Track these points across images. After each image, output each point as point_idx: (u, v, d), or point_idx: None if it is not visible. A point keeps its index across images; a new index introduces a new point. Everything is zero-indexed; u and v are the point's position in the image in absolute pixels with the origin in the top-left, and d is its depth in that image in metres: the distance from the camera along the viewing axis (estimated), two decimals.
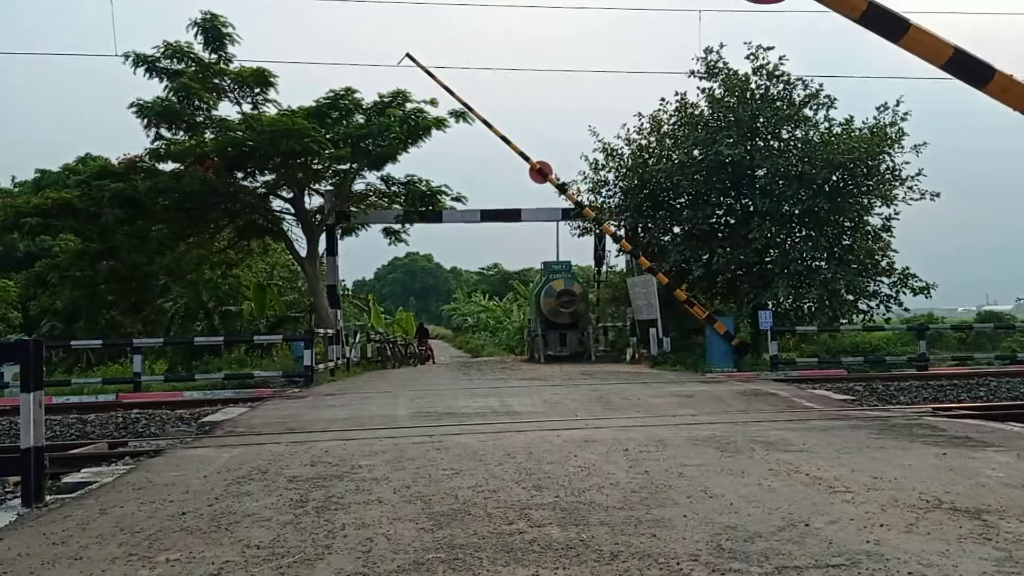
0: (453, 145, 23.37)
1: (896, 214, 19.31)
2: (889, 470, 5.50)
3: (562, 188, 20.46)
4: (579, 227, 22.34)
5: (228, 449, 7.37)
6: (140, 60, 19.72)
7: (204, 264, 24.42)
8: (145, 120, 20.15)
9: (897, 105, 19.04)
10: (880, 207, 19.33)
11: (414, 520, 4.41)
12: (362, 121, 21.15)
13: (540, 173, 20.36)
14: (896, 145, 18.87)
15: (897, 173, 18.94)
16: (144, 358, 18.75)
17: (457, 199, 23.25)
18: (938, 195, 19.13)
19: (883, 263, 19.27)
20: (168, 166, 21.17)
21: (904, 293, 19.33)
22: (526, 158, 20.37)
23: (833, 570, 3.38)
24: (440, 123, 21.61)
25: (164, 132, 20.72)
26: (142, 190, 20.44)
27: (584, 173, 21.22)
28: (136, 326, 27.43)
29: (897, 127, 18.89)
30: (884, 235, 19.45)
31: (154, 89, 24.50)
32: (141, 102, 19.92)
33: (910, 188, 19.01)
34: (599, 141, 20.90)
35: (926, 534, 3.90)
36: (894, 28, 3.95)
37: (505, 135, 20.44)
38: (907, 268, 19.32)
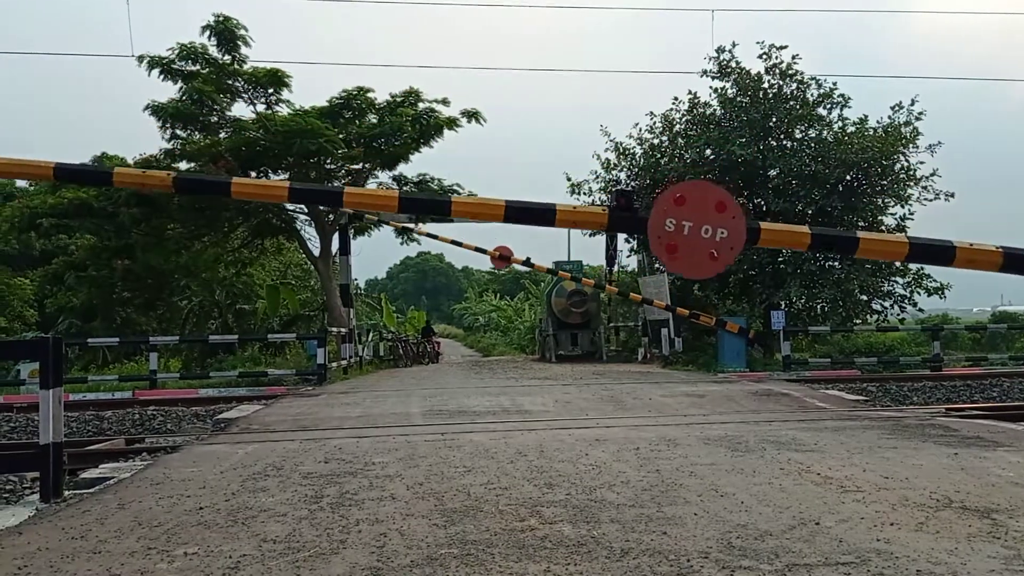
0: (465, 144, 23.43)
1: (911, 214, 19.24)
2: (900, 470, 5.51)
3: (527, 263, 20.34)
4: None
5: (243, 446, 7.44)
6: (155, 62, 19.88)
7: (219, 263, 24.60)
8: (160, 121, 20.33)
9: (912, 104, 18.97)
10: (894, 207, 19.25)
11: (427, 516, 4.46)
12: (375, 121, 21.25)
13: (502, 259, 20.23)
14: (911, 145, 18.79)
15: (911, 173, 18.85)
16: (160, 356, 18.90)
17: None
18: (952, 195, 19.04)
19: (897, 263, 19.17)
20: (183, 166, 21.35)
21: (918, 293, 19.25)
22: (483, 251, 20.29)
23: (843, 568, 3.40)
24: (452, 123, 21.69)
25: (179, 132, 20.90)
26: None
27: (596, 172, 21.23)
28: (151, 324, 27.64)
29: (912, 127, 18.80)
30: (899, 235, 19.35)
31: (168, 90, 24.75)
32: (156, 103, 20.10)
33: (924, 188, 18.93)
34: (611, 141, 20.89)
35: (936, 533, 3.91)
36: (846, 246, 4.14)
37: (456, 239, 20.07)
38: (921, 268, 19.22)
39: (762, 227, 3.63)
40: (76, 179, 5.93)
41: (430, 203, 4.68)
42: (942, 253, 3.74)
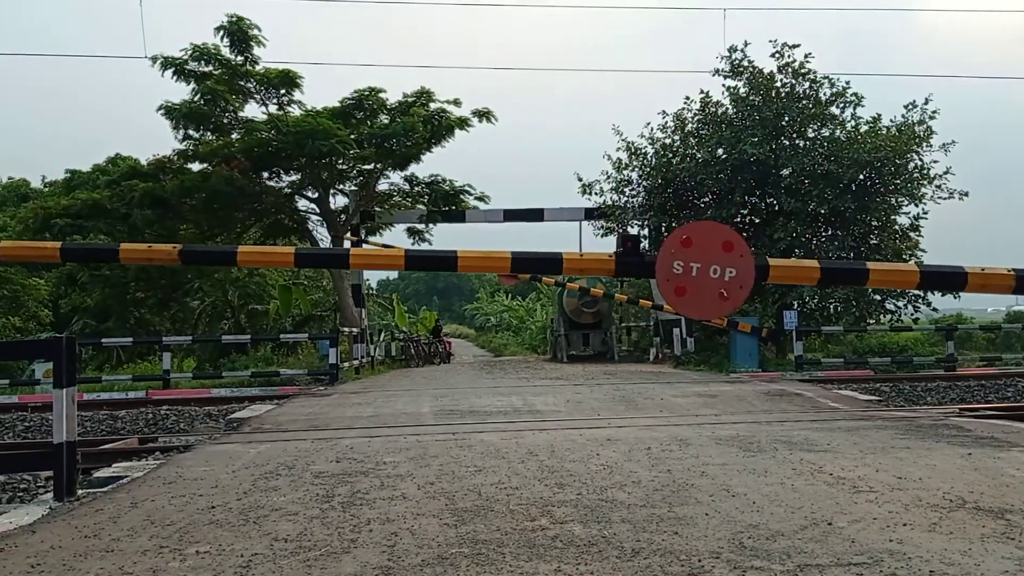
0: (477, 142, 23.44)
1: (924, 213, 19.11)
2: (914, 470, 5.47)
3: (535, 278, 20.29)
4: (602, 227, 22.29)
5: (255, 445, 7.47)
6: (168, 63, 19.98)
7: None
8: (173, 121, 20.43)
9: (926, 103, 18.83)
10: (908, 206, 19.14)
11: (438, 516, 4.46)
12: (387, 121, 21.28)
13: (509, 275, 20.32)
14: (924, 143, 18.66)
15: (925, 172, 18.72)
16: (173, 356, 19.00)
17: (480, 199, 23.35)
18: (966, 194, 18.89)
19: (911, 263, 19.03)
20: (196, 166, 21.47)
21: (932, 293, 19.08)
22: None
23: (855, 568, 3.38)
24: (463, 123, 21.70)
25: (192, 133, 21.00)
26: (170, 190, 20.73)
27: (607, 173, 21.14)
28: (165, 324, 27.79)
29: (925, 125, 18.67)
30: (912, 234, 19.24)
31: (181, 91, 24.89)
32: (169, 104, 20.20)
33: (938, 187, 18.79)
34: (622, 140, 20.80)
35: (949, 533, 3.89)
36: (856, 278, 4.20)
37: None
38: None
39: (771, 263, 3.63)
40: (82, 258, 6.10)
41: (437, 259, 4.74)
42: (953, 279, 3.74)
